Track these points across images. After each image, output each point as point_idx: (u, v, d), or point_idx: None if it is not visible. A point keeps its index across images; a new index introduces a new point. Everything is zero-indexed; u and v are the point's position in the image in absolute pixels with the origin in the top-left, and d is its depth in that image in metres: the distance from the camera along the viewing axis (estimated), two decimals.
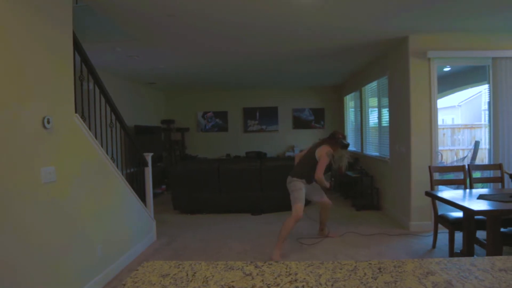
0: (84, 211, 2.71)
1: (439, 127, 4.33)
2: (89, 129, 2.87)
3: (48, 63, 2.33)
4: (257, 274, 1.03)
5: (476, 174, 4.06)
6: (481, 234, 2.99)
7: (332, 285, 0.95)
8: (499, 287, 0.91)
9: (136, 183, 3.98)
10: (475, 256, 3.02)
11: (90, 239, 2.77)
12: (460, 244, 3.16)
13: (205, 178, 5.44)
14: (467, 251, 2.93)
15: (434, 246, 3.63)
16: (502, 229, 2.68)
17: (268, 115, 8.82)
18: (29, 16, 2.15)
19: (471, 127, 9.45)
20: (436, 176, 3.87)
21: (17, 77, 2.05)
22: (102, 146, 3.09)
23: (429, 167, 3.66)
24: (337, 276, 1.01)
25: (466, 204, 2.61)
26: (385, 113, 5.20)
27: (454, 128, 9.56)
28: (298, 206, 3.55)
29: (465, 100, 12.49)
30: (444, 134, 9.12)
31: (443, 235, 3.67)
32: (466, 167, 3.64)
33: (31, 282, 2.09)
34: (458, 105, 12.99)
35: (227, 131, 8.93)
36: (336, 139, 3.76)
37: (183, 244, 4.01)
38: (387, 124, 5.07)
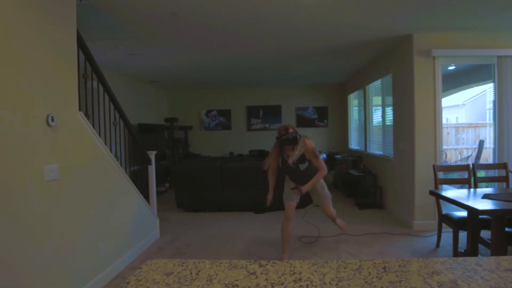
0: (87, 208, 2.72)
1: (443, 126, 4.30)
2: (93, 127, 2.88)
3: (52, 61, 2.34)
4: (261, 273, 1.03)
5: (481, 174, 4.04)
6: (485, 234, 2.98)
7: (336, 284, 0.95)
8: (505, 287, 0.90)
9: (140, 181, 3.99)
10: (479, 255, 3.00)
11: (93, 236, 2.78)
12: (464, 243, 3.15)
13: (208, 176, 5.44)
14: (471, 251, 2.92)
15: (438, 245, 3.62)
16: (506, 229, 2.67)
17: (272, 114, 8.80)
18: (33, 14, 2.15)
19: (475, 126, 9.38)
20: (440, 175, 3.85)
21: (21, 74, 2.05)
22: (105, 144, 3.10)
23: (433, 166, 3.64)
24: (341, 275, 1.00)
25: (471, 203, 2.59)
26: (389, 111, 5.17)
27: (458, 127, 9.50)
28: (285, 204, 3.38)
29: (470, 99, 12.40)
30: (448, 133, 9.06)
31: (447, 234, 3.65)
32: (471, 166, 3.61)
33: (34, 279, 2.10)
34: (462, 104, 12.91)
35: (230, 129, 8.92)
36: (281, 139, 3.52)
37: (186, 242, 4.01)
38: (391, 123, 5.05)
